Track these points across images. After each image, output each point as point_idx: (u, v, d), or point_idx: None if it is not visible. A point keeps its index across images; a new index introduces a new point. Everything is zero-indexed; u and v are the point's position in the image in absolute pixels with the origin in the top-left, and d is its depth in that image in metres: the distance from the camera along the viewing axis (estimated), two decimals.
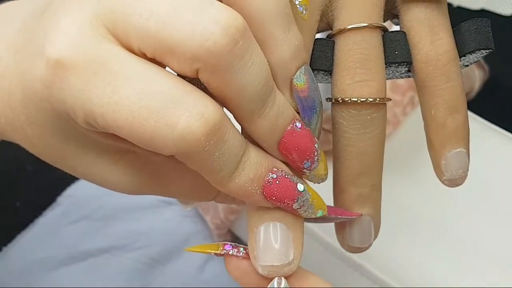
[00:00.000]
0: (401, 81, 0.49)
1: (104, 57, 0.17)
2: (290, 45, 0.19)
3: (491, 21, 0.23)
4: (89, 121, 0.18)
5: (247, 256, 0.21)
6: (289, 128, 0.19)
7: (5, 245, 0.49)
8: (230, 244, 0.21)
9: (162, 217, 0.52)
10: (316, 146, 0.20)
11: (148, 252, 0.50)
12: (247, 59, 0.17)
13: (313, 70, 0.22)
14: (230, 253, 0.21)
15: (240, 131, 0.19)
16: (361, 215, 0.23)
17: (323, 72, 0.23)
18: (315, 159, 0.20)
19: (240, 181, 0.19)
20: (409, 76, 0.25)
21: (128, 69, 0.17)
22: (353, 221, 0.24)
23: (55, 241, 0.49)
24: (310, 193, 0.20)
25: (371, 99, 0.22)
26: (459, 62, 0.23)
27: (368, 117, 0.22)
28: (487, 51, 0.23)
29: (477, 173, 0.47)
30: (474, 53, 0.23)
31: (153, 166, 0.22)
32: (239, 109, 0.18)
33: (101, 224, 0.51)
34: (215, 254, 0.21)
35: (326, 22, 0.23)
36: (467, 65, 0.24)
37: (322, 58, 0.23)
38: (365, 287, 0.43)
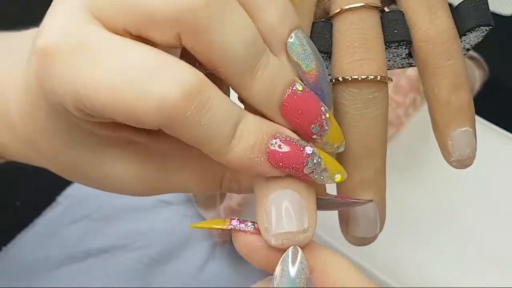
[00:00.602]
0: (403, 83, 0.49)
1: (85, 38, 0.17)
2: (277, 9, 0.19)
3: None
4: (78, 106, 0.18)
5: (255, 231, 0.20)
6: (289, 91, 0.19)
7: (5, 245, 0.49)
8: (237, 219, 0.20)
9: (162, 217, 0.52)
10: (323, 109, 0.19)
11: (148, 252, 0.50)
12: (227, 18, 0.17)
13: None
14: (237, 228, 0.20)
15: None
16: (371, 200, 0.22)
17: (322, 54, 0.23)
18: (323, 122, 0.19)
19: (240, 149, 0.18)
20: (410, 64, 0.25)
21: (107, 47, 0.17)
22: (357, 210, 0.23)
23: (55, 241, 0.49)
24: (321, 156, 0.19)
25: (372, 77, 0.21)
26: (460, 44, 0.23)
27: (370, 96, 0.22)
28: (487, 28, 0.23)
29: (477, 173, 0.47)
30: (474, 31, 0.23)
31: (157, 157, 0.22)
32: (229, 72, 0.18)
33: (101, 224, 0.51)
34: (222, 229, 0.20)
35: (322, 9, 0.23)
36: (469, 49, 0.24)
37: (320, 40, 0.22)
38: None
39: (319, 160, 0.19)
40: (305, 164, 0.19)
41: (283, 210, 0.19)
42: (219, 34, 0.17)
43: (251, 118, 0.19)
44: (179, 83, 0.17)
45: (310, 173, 0.19)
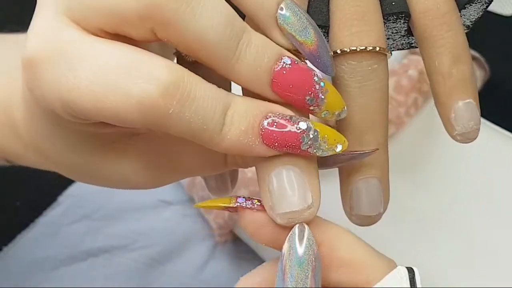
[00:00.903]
0: (404, 82, 0.49)
1: (64, 44, 0.17)
2: None
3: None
4: (68, 111, 0.18)
5: (261, 208, 0.19)
6: (277, 67, 0.18)
7: (5, 245, 0.49)
8: (243, 197, 0.20)
9: (162, 217, 0.52)
10: (316, 79, 0.19)
11: (148, 252, 0.50)
12: (196, 3, 0.17)
13: None
14: (243, 205, 0.19)
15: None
16: (377, 149, 0.22)
17: (320, 29, 0.22)
18: (318, 92, 0.19)
19: (233, 136, 0.18)
20: (410, 44, 0.24)
21: (83, 50, 0.17)
22: (360, 187, 0.22)
23: (55, 241, 0.49)
24: (317, 129, 0.19)
25: (370, 48, 0.21)
26: (460, 16, 0.22)
27: (369, 68, 0.21)
28: (487, 1, 0.22)
29: (477, 173, 0.47)
30: (473, 3, 0.22)
31: (157, 145, 0.22)
32: (211, 58, 0.18)
33: (101, 224, 0.51)
34: (227, 208, 0.19)
35: None
36: (469, 26, 0.24)
37: (317, 14, 0.22)
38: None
39: (316, 134, 0.19)
40: (301, 140, 0.18)
41: (285, 188, 0.19)
42: (190, 23, 0.17)
43: (239, 101, 0.18)
44: (157, 80, 0.16)
45: (308, 148, 0.19)
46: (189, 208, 0.53)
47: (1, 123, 0.24)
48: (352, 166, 0.22)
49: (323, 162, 0.21)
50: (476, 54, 0.55)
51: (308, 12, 0.22)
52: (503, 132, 0.50)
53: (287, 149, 0.18)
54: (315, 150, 0.19)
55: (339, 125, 0.23)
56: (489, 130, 0.50)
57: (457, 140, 0.23)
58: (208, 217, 0.50)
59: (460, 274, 0.42)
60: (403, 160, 0.46)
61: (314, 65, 0.20)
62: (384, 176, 0.23)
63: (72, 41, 0.17)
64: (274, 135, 0.18)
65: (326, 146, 0.19)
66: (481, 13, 0.23)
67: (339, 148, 0.19)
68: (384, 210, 0.23)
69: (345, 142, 0.19)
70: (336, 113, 0.20)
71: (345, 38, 0.21)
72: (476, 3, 0.23)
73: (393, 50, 0.24)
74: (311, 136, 0.18)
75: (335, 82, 0.22)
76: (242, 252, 0.51)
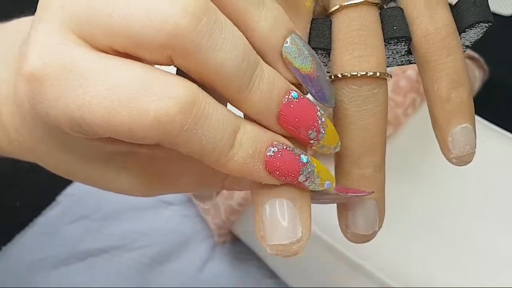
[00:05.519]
0: (402, 83, 0.49)
1: (72, 60, 0.17)
2: (267, 18, 0.19)
3: None
4: (74, 128, 0.18)
5: None
6: (284, 100, 0.19)
7: (4, 245, 0.49)
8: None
9: (162, 217, 0.52)
10: (319, 114, 0.19)
11: (147, 252, 0.50)
12: (217, 36, 0.17)
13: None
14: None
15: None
16: (372, 192, 0.22)
17: (322, 51, 0.23)
18: (320, 127, 0.20)
19: (240, 158, 0.18)
20: (409, 61, 0.24)
21: (94, 67, 0.17)
22: (357, 206, 0.23)
23: (54, 241, 0.49)
24: (314, 164, 0.20)
25: (371, 73, 0.21)
26: (460, 40, 0.23)
27: (369, 93, 0.22)
28: (487, 25, 0.23)
29: (477, 173, 0.47)
30: (473, 27, 0.23)
31: (158, 164, 0.22)
32: (225, 89, 0.18)
33: (100, 224, 0.51)
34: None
35: (321, 6, 0.23)
36: (468, 46, 0.24)
37: (319, 36, 0.22)
38: (365, 287, 0.43)
39: (313, 168, 0.19)
40: (300, 172, 0.19)
41: (277, 220, 0.19)
42: (210, 55, 0.17)
43: (249, 126, 0.19)
44: (174, 98, 0.17)
45: (304, 181, 0.19)
46: (189, 208, 0.54)
47: None
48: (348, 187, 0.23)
49: (317, 198, 0.22)
50: (475, 54, 0.55)
51: (310, 34, 0.22)
52: (502, 132, 0.50)
53: (286, 178, 0.19)
54: (309, 184, 0.20)
55: None
56: (488, 130, 0.50)
57: (452, 163, 0.24)
58: (207, 218, 0.50)
59: (459, 274, 0.42)
60: (401, 160, 0.46)
61: (315, 97, 0.21)
62: (380, 197, 0.23)
63: (81, 57, 0.17)
64: (277, 163, 0.19)
65: (319, 181, 0.20)
66: (480, 36, 0.23)
67: (327, 185, 0.20)
68: (379, 228, 0.24)
69: (333, 181, 0.20)
70: (332, 147, 0.21)
71: (346, 63, 0.22)
72: (476, 28, 0.23)
73: (392, 66, 0.25)
74: (309, 169, 0.19)
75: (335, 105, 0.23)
76: (241, 252, 0.51)
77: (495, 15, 0.59)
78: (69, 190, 0.52)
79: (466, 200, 0.45)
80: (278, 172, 0.19)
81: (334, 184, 0.20)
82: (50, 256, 0.48)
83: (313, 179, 0.20)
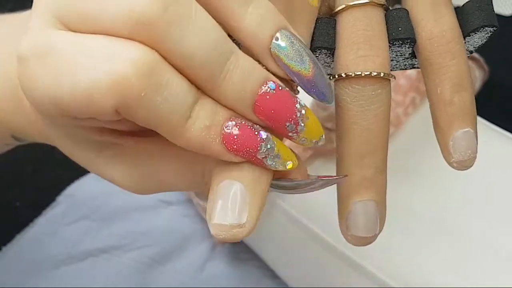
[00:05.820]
0: (402, 82, 0.49)
1: (50, 43, 0.18)
2: (253, 16, 0.19)
3: None
4: (58, 110, 0.18)
5: None
6: (261, 91, 0.19)
7: (5, 245, 0.49)
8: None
9: (162, 217, 0.52)
10: (298, 106, 0.19)
11: (147, 252, 0.50)
12: (186, 24, 0.17)
13: (315, 48, 0.22)
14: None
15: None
16: (346, 176, 0.22)
17: (326, 51, 0.23)
18: (299, 120, 0.19)
19: (196, 129, 0.18)
20: (412, 65, 0.24)
21: (67, 46, 0.18)
22: (357, 209, 0.23)
23: (54, 241, 0.49)
24: (275, 142, 0.19)
25: (375, 73, 0.21)
26: (464, 45, 0.23)
27: (373, 93, 0.22)
28: (491, 29, 0.23)
29: (477, 173, 0.47)
30: (478, 32, 0.23)
31: (143, 158, 0.22)
32: (196, 77, 0.18)
33: (100, 224, 0.51)
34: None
35: (327, 6, 0.23)
36: (472, 51, 0.24)
37: (324, 36, 0.22)
38: (365, 287, 0.43)
39: (273, 145, 0.19)
40: (258, 148, 0.19)
41: (225, 201, 0.19)
42: (178, 43, 0.17)
43: (208, 100, 0.19)
44: (133, 61, 0.17)
45: (263, 158, 0.19)
46: (189, 208, 0.54)
47: (8, 98, 0.24)
48: (350, 188, 0.23)
49: (284, 186, 0.21)
50: (475, 54, 0.55)
51: (314, 33, 0.22)
52: (502, 132, 0.50)
53: (244, 154, 0.19)
54: (269, 161, 0.19)
55: (339, 147, 0.23)
56: (488, 130, 0.50)
57: (453, 167, 0.24)
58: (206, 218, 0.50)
59: (459, 274, 0.42)
60: (401, 159, 0.46)
61: (310, 94, 0.20)
62: (381, 199, 0.23)
63: (57, 39, 0.18)
64: (234, 137, 0.19)
65: (280, 160, 0.20)
66: (485, 41, 0.23)
67: (289, 165, 0.20)
68: (380, 231, 0.24)
69: (295, 162, 0.20)
70: (314, 141, 0.20)
71: (350, 62, 0.22)
72: (480, 32, 0.23)
73: (395, 70, 0.25)
74: (268, 146, 0.19)
75: (338, 104, 0.22)
76: (241, 252, 0.51)
77: (495, 15, 0.59)
78: (69, 190, 0.52)
79: (466, 200, 0.45)
80: (235, 146, 0.19)
81: (297, 164, 0.20)
82: (50, 256, 0.48)
83: (273, 157, 0.19)
